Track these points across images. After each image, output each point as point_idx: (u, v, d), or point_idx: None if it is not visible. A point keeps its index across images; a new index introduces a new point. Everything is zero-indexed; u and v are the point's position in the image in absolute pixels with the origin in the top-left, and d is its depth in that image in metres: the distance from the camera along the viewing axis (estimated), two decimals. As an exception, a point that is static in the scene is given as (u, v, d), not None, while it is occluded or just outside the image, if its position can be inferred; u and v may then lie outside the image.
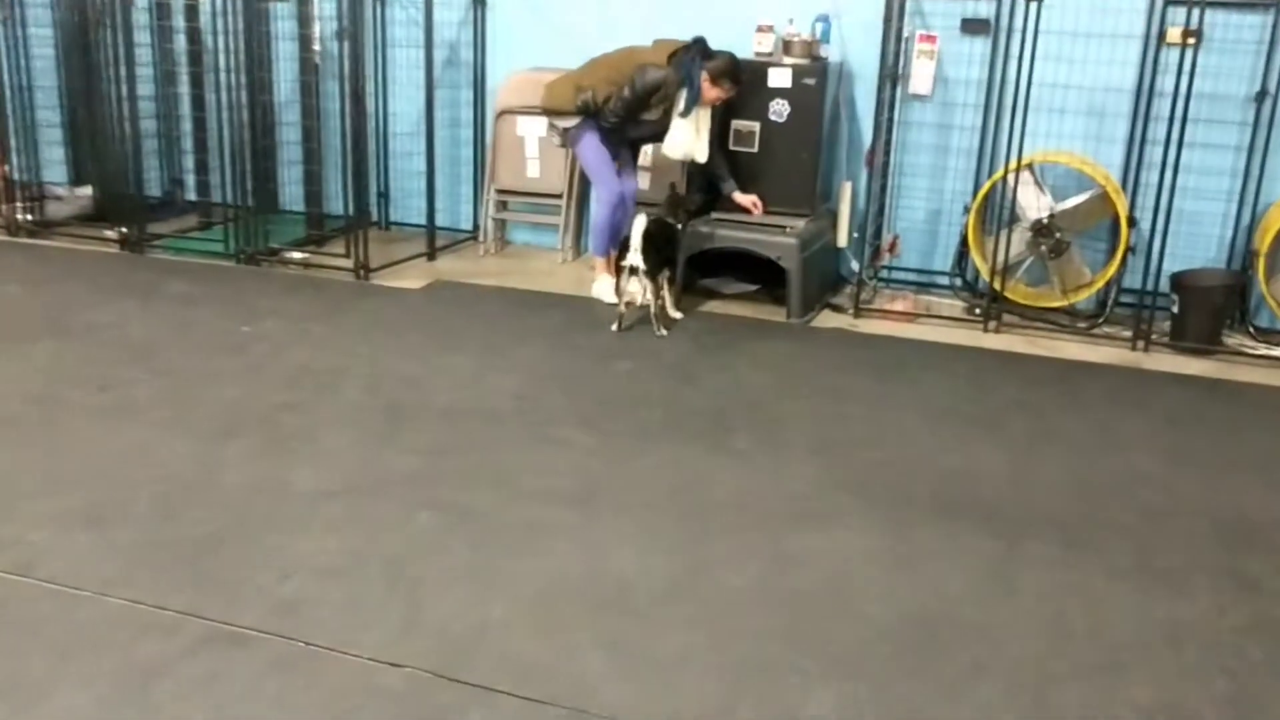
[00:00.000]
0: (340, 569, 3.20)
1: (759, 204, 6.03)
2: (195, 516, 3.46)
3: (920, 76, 6.25)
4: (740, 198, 6.03)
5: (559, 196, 7.00)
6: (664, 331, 5.49)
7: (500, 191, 7.17)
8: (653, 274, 5.43)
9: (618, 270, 5.55)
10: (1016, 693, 2.76)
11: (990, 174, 6.19)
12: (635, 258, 5.36)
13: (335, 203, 7.57)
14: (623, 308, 5.51)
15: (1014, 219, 5.94)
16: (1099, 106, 6.08)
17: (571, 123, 5.95)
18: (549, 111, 6.01)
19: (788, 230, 6.00)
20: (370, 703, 2.62)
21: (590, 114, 5.87)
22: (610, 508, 3.62)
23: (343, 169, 6.43)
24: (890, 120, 6.21)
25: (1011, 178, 5.78)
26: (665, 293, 5.77)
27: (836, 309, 6.13)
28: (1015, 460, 4.17)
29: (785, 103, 6.08)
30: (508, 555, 3.31)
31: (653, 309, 5.48)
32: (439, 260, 6.94)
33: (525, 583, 3.17)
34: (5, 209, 7.09)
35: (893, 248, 6.32)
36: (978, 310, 5.98)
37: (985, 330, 5.86)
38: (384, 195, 7.67)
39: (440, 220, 7.36)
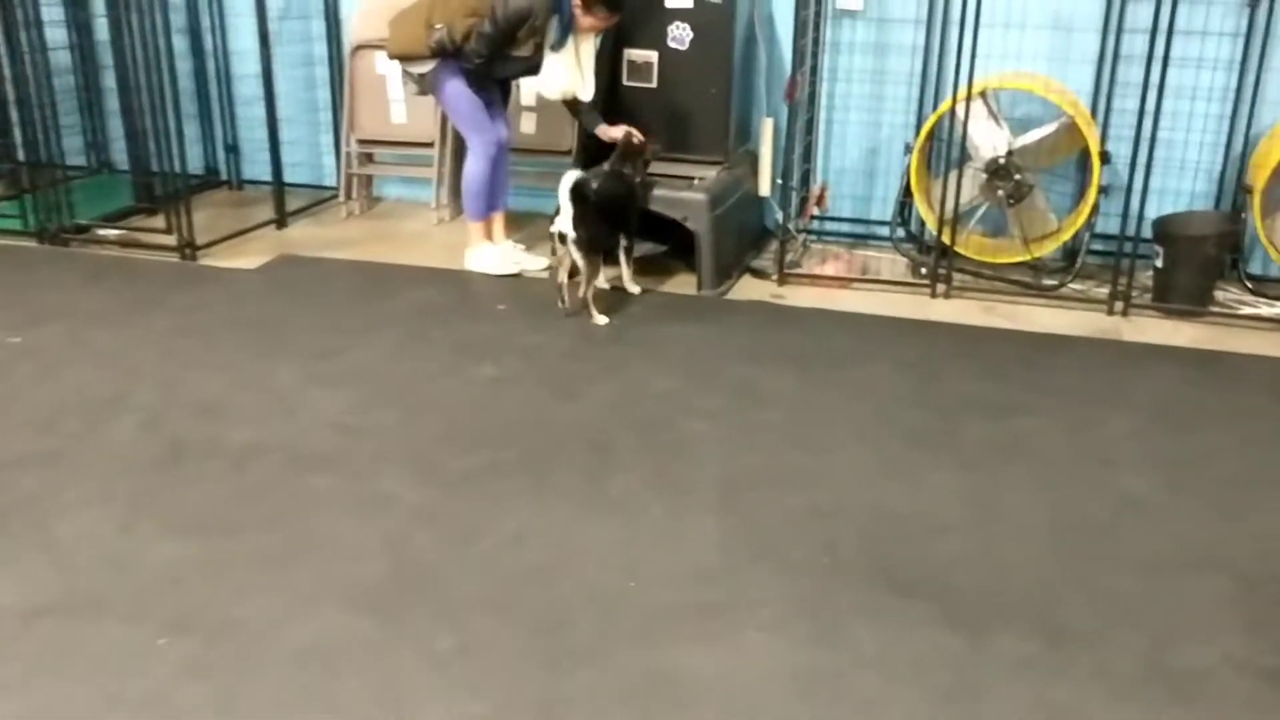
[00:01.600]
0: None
1: (635, 133, 4.97)
2: None
3: (850, -13, 5.21)
4: (608, 131, 4.97)
5: (430, 145, 5.89)
6: (602, 318, 4.49)
7: (362, 141, 6.05)
8: (588, 245, 4.40)
9: (550, 236, 4.50)
10: None
11: (936, 104, 5.19)
12: (563, 222, 4.35)
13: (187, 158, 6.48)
14: (562, 277, 4.54)
15: (965, 158, 4.96)
16: (1065, 19, 5.08)
17: (427, 66, 4.84)
18: (398, 57, 4.90)
19: (695, 183, 4.98)
20: None
21: (449, 54, 4.77)
22: (427, 618, 2.64)
23: (162, 118, 5.24)
24: (815, 42, 5.17)
25: (961, 108, 4.78)
26: (623, 265, 4.81)
27: (759, 274, 5.14)
28: (977, 493, 3.24)
29: (687, 26, 5.02)
30: (262, 715, 2.33)
31: (584, 289, 4.46)
32: (291, 227, 5.86)
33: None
34: None
35: (821, 199, 5.31)
36: (924, 270, 5.01)
37: (934, 295, 4.90)
38: (233, 149, 6.53)
39: (298, 176, 6.28)
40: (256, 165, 6.36)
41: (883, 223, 5.44)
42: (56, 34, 6.12)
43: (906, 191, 5.18)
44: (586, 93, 4.91)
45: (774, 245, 5.11)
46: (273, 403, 3.75)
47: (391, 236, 5.70)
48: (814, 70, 5.29)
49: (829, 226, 5.59)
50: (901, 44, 5.31)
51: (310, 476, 3.27)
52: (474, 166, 5.02)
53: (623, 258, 4.82)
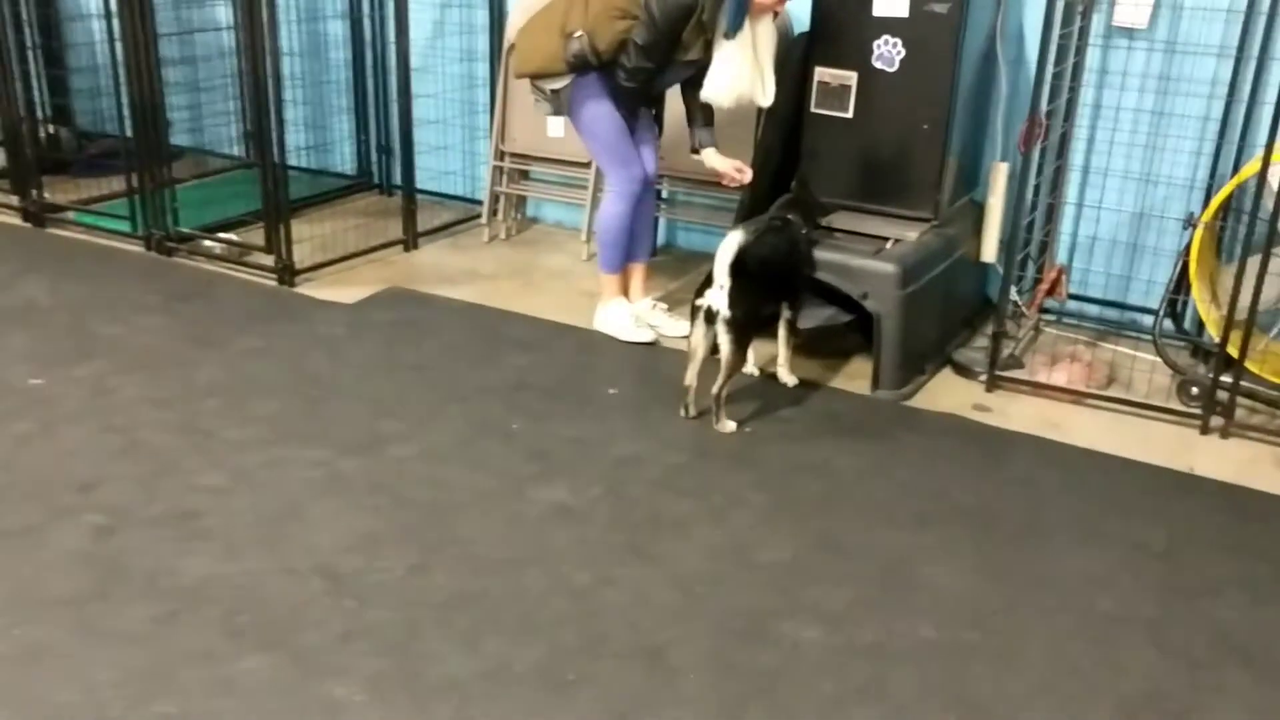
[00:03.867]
0: None
1: (744, 170, 3.84)
2: None
3: (1131, -1, 3.87)
4: (716, 161, 3.86)
5: (587, 165, 4.93)
6: (729, 425, 3.44)
7: (513, 155, 5.17)
8: (743, 328, 3.35)
9: (693, 312, 3.49)
10: None
11: (1238, 166, 3.77)
12: (718, 296, 3.30)
13: (334, 156, 5.84)
14: (690, 378, 3.47)
15: (1273, 240, 3.54)
16: None
17: (563, 82, 3.87)
18: (529, 75, 3.95)
19: (887, 247, 3.79)
20: None
21: (591, 67, 3.79)
22: None
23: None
24: (1075, 70, 3.85)
25: (1275, 173, 3.38)
26: (781, 345, 3.74)
27: (963, 370, 3.90)
28: None
29: (898, 42, 3.81)
30: None
31: (720, 384, 3.40)
32: (425, 248, 5.05)
33: None
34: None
35: (1055, 288, 3.98)
36: (1195, 390, 3.63)
37: (1205, 429, 3.53)
38: (386, 150, 5.80)
39: (451, 187, 5.50)
40: (419, 171, 5.58)
41: (1145, 310, 4.07)
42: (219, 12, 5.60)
43: (1183, 275, 3.80)
44: (767, 95, 3.77)
45: (990, 330, 3.84)
46: (255, 519, 2.89)
47: (529, 271, 4.79)
48: (1069, 106, 3.97)
49: (1072, 307, 4.25)
50: (1197, 79, 3.90)
51: (245, 658, 2.37)
52: (611, 208, 4.02)
53: (782, 333, 3.72)
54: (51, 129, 5.90)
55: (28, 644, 2.39)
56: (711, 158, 3.90)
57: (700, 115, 3.91)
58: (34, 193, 5.11)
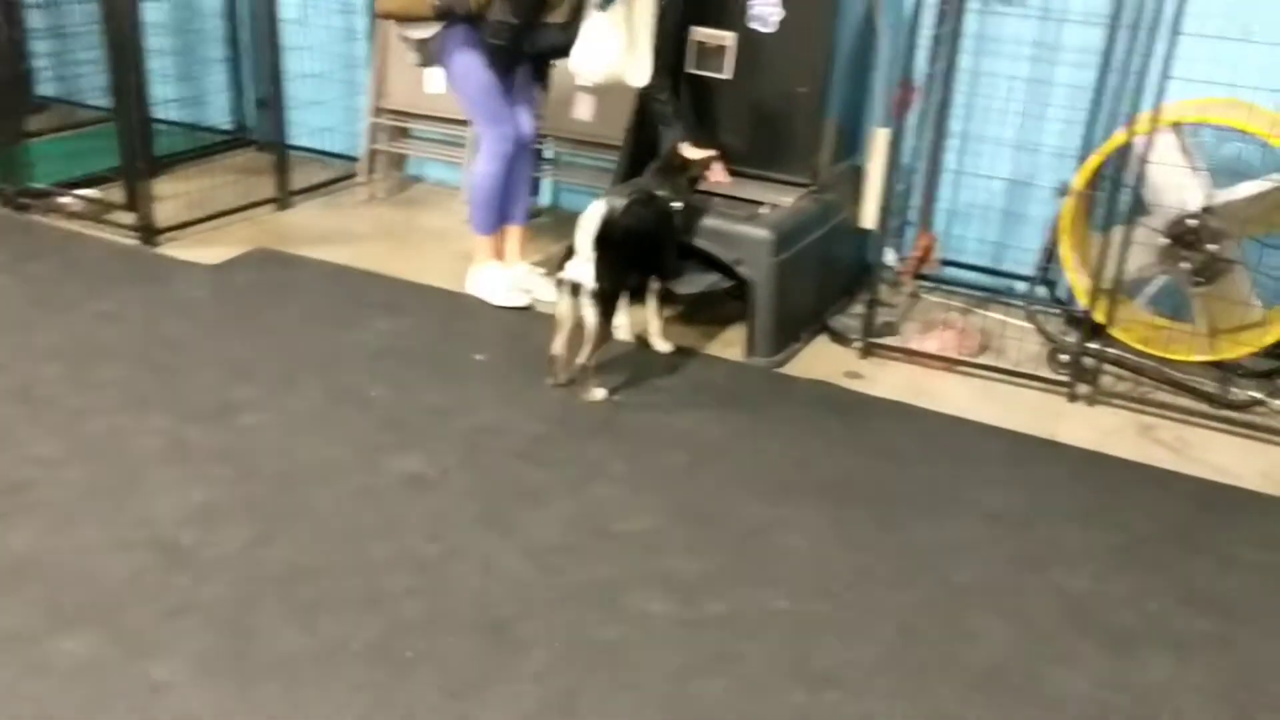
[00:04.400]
0: None
1: (720, 165, 3.78)
2: None
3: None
4: (692, 152, 3.76)
5: (466, 123, 4.80)
6: (599, 392, 3.35)
7: (391, 112, 5.01)
8: (608, 301, 3.25)
9: (557, 284, 3.38)
10: None
11: (1108, 134, 3.78)
12: (581, 269, 3.21)
13: (210, 111, 5.60)
14: (558, 346, 3.37)
15: (1140, 211, 3.57)
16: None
17: (430, 30, 3.73)
18: (391, 16, 3.80)
19: (761, 212, 3.74)
20: None
21: (458, 18, 3.65)
22: None
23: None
24: (953, 35, 3.82)
25: (1142, 142, 3.40)
26: (651, 313, 3.64)
27: (840, 337, 3.88)
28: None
29: (776, 2, 3.75)
30: None
31: (588, 354, 3.30)
32: (299, 207, 4.87)
33: None
34: None
35: (926, 256, 3.97)
36: (1063, 358, 3.65)
37: (1073, 397, 3.56)
38: (262, 104, 5.57)
39: (331, 144, 5.31)
40: (296, 127, 5.38)
41: (1021, 278, 4.09)
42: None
43: (1054, 242, 3.82)
44: (640, 74, 3.69)
45: (875, 289, 3.81)
46: (89, 491, 2.74)
47: (404, 232, 4.65)
48: (947, 73, 3.94)
49: (950, 274, 4.26)
50: (1071, 46, 3.91)
51: (64, 638, 2.24)
52: (482, 167, 3.91)
53: (652, 304, 3.64)
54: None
55: None
56: (688, 151, 3.66)
57: (663, 111, 3.77)
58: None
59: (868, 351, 3.77)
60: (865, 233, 4.18)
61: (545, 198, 5.01)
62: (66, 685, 2.14)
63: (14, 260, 4.08)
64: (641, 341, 3.70)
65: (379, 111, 5.00)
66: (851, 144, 4.19)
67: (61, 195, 4.56)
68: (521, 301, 3.97)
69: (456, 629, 2.35)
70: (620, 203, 3.37)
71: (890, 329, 3.88)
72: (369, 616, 2.36)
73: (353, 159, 5.27)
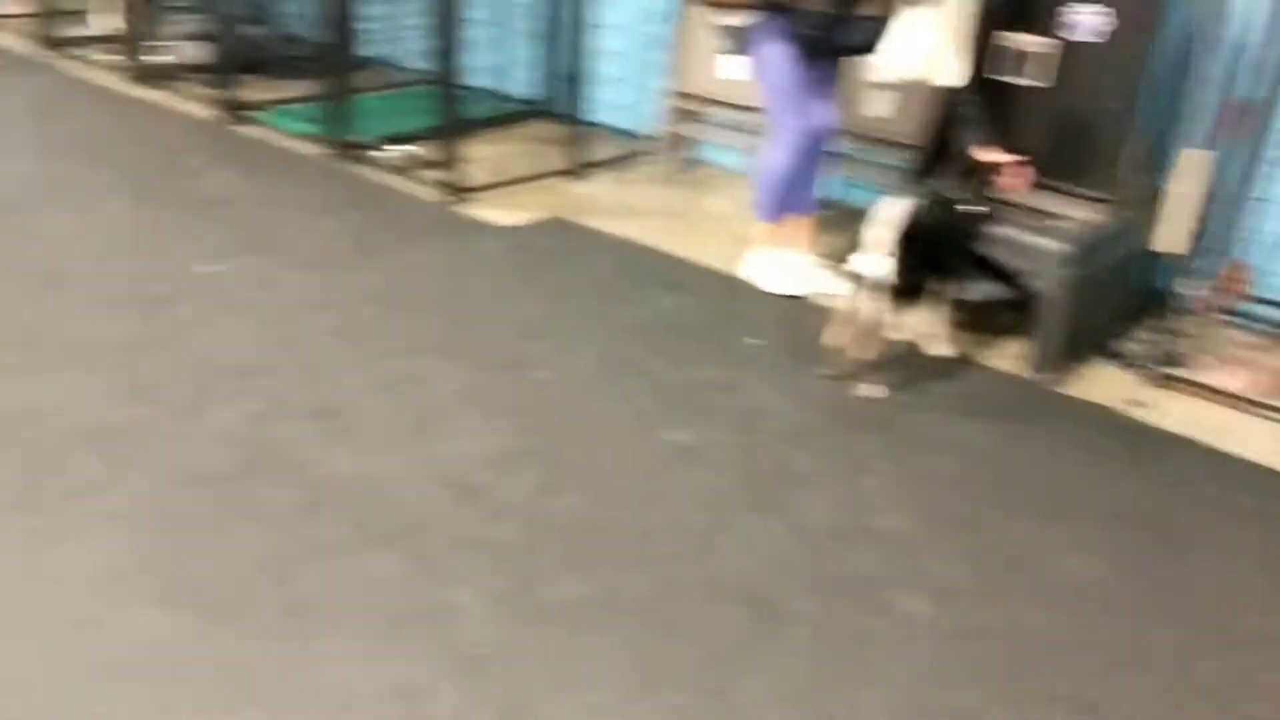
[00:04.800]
0: None
1: (1024, 172, 3.69)
2: None
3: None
4: (997, 157, 3.68)
5: (756, 110, 4.86)
6: (876, 390, 3.38)
7: (686, 95, 5.15)
8: (901, 292, 3.28)
9: (845, 275, 3.45)
10: None
11: None
12: (875, 263, 3.23)
13: (518, 81, 5.93)
14: (835, 338, 3.44)
15: None
16: None
17: (746, 18, 3.83)
18: (713, 2, 3.91)
19: (1058, 225, 3.64)
20: None
21: (777, 8, 3.72)
22: None
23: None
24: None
25: None
26: (937, 321, 3.66)
27: (1128, 361, 3.73)
28: None
29: (1104, 9, 3.63)
30: None
31: (866, 350, 3.35)
32: (591, 180, 5.09)
33: None
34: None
35: (1233, 282, 3.75)
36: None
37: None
38: (571, 79, 5.84)
39: (626, 120, 5.52)
40: (593, 102, 5.63)
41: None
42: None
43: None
44: (953, 74, 3.62)
45: (1164, 320, 3.65)
46: (400, 418, 3.00)
47: (686, 213, 4.79)
48: (1273, 96, 3.70)
49: (1254, 309, 4.01)
50: None
51: (373, 554, 2.48)
52: (775, 156, 3.97)
53: (938, 306, 3.62)
54: (250, 29, 6.16)
55: (173, 516, 2.55)
56: (986, 155, 3.56)
57: (962, 115, 3.70)
58: (230, 90, 5.35)
59: (1160, 381, 3.61)
60: (1158, 256, 3.99)
61: (832, 192, 5.02)
62: (376, 598, 2.36)
63: (339, 206, 4.48)
64: (921, 343, 3.68)
65: (676, 93, 5.13)
66: (1156, 163, 4.00)
67: (386, 149, 4.94)
68: (794, 290, 4.02)
69: (721, 598, 2.44)
70: (924, 202, 3.36)
71: (1180, 360, 3.70)
72: (640, 575, 2.49)
73: (640, 137, 5.45)
